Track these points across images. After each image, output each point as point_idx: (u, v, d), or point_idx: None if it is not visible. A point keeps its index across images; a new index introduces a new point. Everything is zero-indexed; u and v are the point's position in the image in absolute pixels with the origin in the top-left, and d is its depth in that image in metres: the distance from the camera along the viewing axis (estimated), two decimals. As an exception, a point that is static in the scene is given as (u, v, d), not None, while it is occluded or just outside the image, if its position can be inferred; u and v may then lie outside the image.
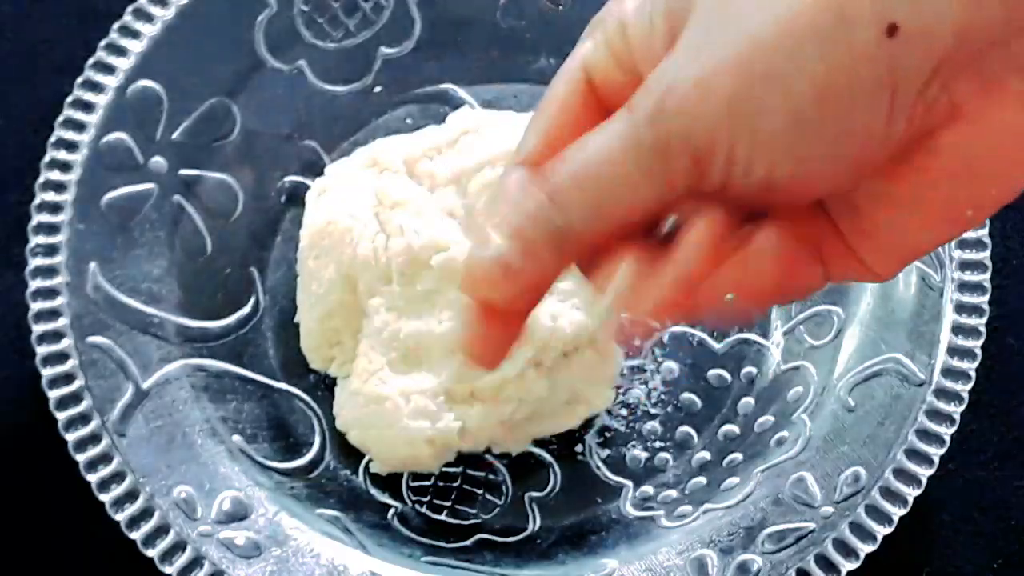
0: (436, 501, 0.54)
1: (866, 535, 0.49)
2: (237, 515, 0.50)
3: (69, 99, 0.56)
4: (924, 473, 0.50)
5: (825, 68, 0.30)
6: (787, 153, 0.32)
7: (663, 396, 0.56)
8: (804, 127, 0.31)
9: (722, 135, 0.31)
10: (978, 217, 0.34)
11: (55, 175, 0.55)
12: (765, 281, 0.35)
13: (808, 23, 0.30)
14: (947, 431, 0.50)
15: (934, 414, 0.51)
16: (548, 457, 0.55)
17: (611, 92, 0.35)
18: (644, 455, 0.55)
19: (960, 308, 0.52)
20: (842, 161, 0.32)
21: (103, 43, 0.57)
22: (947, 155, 0.32)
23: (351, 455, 0.54)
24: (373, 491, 0.54)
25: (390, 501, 0.54)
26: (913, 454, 0.50)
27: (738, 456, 0.53)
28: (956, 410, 0.51)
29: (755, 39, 0.31)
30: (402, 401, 0.53)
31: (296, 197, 0.59)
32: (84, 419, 0.51)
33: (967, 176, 0.33)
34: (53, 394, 0.51)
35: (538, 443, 0.55)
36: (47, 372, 0.51)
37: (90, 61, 0.56)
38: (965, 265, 0.53)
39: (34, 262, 0.53)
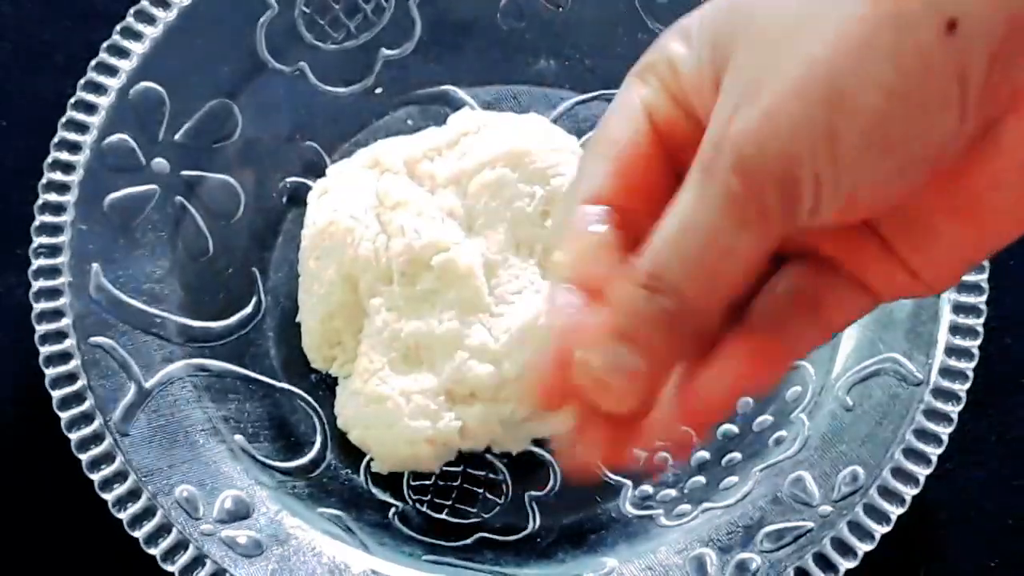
0: (437, 500, 0.54)
1: (864, 534, 0.49)
2: (239, 514, 0.51)
3: (71, 100, 0.56)
4: (922, 472, 0.50)
5: (894, 76, 0.30)
6: (869, 165, 0.31)
7: (662, 396, 0.56)
8: (882, 137, 0.30)
9: (804, 159, 0.31)
10: None
11: (58, 176, 0.55)
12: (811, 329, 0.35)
13: (866, 35, 0.30)
14: (945, 431, 0.50)
15: (932, 414, 0.51)
16: (548, 456, 0.55)
17: (672, 132, 0.35)
18: (643, 454, 0.55)
19: (958, 308, 0.52)
20: (920, 165, 0.31)
21: (105, 44, 0.57)
22: (1011, 145, 0.31)
23: (352, 454, 0.55)
24: (374, 490, 0.54)
25: (391, 500, 0.54)
26: (911, 454, 0.50)
27: (737, 455, 0.54)
28: (954, 410, 0.51)
29: (814, 61, 0.30)
30: (403, 401, 0.53)
31: (298, 198, 0.59)
32: (86, 419, 0.51)
33: None
34: (56, 394, 0.51)
35: (538, 442, 0.55)
36: (50, 372, 0.51)
37: (92, 62, 0.57)
38: (963, 265, 0.53)
39: (37, 262, 0.53)
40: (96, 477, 0.50)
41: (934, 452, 0.50)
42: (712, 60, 0.33)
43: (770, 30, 0.31)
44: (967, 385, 0.51)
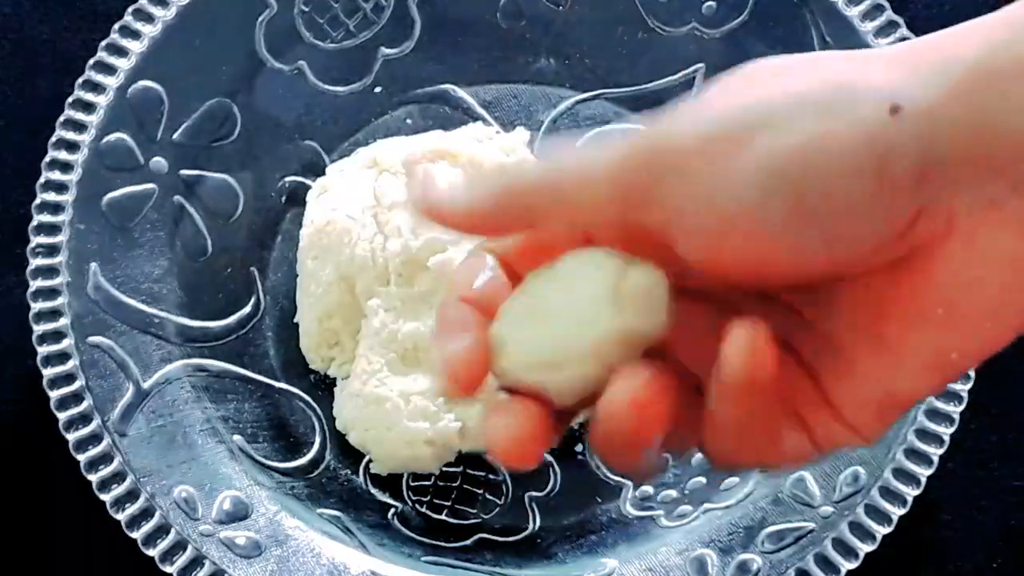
0: (436, 501, 0.54)
1: (865, 535, 0.49)
2: (238, 515, 0.51)
3: (70, 99, 0.56)
4: (923, 473, 0.50)
5: (819, 129, 0.30)
6: (760, 220, 0.31)
7: (663, 396, 0.56)
8: (781, 191, 0.31)
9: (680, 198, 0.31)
10: (964, 363, 0.33)
11: (56, 175, 0.55)
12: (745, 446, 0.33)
13: (812, 92, 0.31)
14: (946, 431, 0.50)
15: (933, 414, 0.51)
16: (548, 457, 0.55)
17: None
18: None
19: (959, 308, 0.52)
20: (824, 239, 0.31)
21: (104, 43, 0.57)
22: (941, 275, 0.31)
23: (351, 455, 0.55)
24: (373, 491, 0.54)
25: (390, 501, 0.54)
26: (912, 454, 0.50)
27: (738, 456, 0.54)
28: (955, 410, 0.51)
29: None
30: (402, 402, 0.53)
31: (296, 197, 0.59)
32: (85, 419, 0.51)
33: (958, 307, 0.31)
34: (54, 394, 0.51)
35: (538, 443, 0.55)
36: (48, 372, 0.51)
37: (91, 61, 0.57)
38: (964, 265, 0.53)
39: (35, 262, 0.53)
40: (94, 478, 0.50)
41: (935, 452, 0.50)
42: None
43: None
44: (968, 385, 0.51)
